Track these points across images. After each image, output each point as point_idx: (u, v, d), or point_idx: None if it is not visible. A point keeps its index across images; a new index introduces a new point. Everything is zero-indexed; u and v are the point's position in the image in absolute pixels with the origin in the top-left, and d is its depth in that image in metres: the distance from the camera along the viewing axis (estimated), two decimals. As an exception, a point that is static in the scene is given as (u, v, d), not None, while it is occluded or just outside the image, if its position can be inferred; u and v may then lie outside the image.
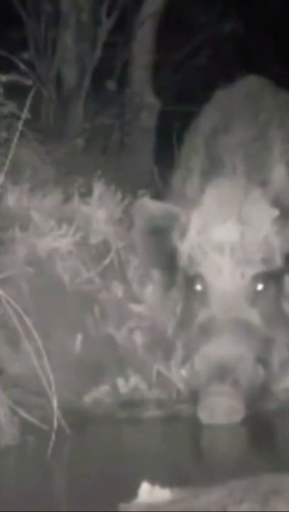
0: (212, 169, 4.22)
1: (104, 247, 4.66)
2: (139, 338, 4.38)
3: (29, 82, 4.77)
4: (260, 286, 3.96)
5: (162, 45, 6.75)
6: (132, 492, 2.88)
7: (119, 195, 4.93)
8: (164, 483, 2.89)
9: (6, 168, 4.24)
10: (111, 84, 6.63)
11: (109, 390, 4.19)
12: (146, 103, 6.63)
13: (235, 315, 3.90)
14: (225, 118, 4.44)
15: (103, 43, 6.60)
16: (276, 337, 3.99)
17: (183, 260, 4.08)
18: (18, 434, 3.80)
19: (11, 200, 4.63)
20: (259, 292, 3.96)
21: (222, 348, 3.82)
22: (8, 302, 3.89)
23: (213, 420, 3.85)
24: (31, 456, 3.73)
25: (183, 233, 4.06)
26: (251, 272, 3.93)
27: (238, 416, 3.84)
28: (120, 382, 4.21)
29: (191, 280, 4.05)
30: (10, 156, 4.19)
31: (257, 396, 3.88)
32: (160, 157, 6.08)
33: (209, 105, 4.69)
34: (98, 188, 4.90)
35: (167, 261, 4.14)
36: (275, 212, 3.99)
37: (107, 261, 4.58)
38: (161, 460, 3.74)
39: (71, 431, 3.80)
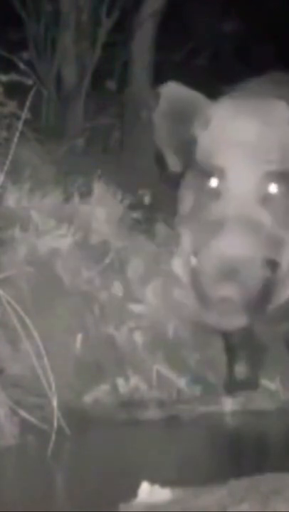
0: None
1: (104, 247, 4.66)
2: (139, 338, 4.39)
3: (29, 82, 4.77)
4: (273, 188, 3.93)
5: (162, 45, 6.75)
6: (132, 492, 2.89)
7: (119, 195, 4.94)
8: (164, 483, 2.90)
9: (6, 168, 4.24)
10: (111, 84, 6.63)
11: (109, 390, 4.20)
12: (146, 103, 6.63)
13: (246, 213, 3.85)
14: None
15: (103, 43, 6.60)
16: (287, 239, 3.95)
17: (201, 152, 4.06)
18: (18, 434, 3.80)
19: (11, 200, 4.63)
20: (272, 194, 3.93)
21: (232, 245, 3.76)
22: (8, 302, 3.89)
23: (220, 325, 3.81)
24: (31, 456, 3.73)
25: (205, 124, 4.05)
26: (266, 170, 3.92)
27: (244, 321, 3.79)
28: (120, 382, 4.22)
29: (205, 175, 4.02)
30: (10, 156, 4.19)
31: (262, 299, 3.84)
32: (160, 157, 6.07)
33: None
34: (98, 187, 4.90)
35: (184, 147, 4.12)
36: None
37: (107, 261, 4.58)
38: (161, 460, 3.74)
39: (71, 431, 3.80)
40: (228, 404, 4.30)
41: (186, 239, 4.01)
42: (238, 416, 4.25)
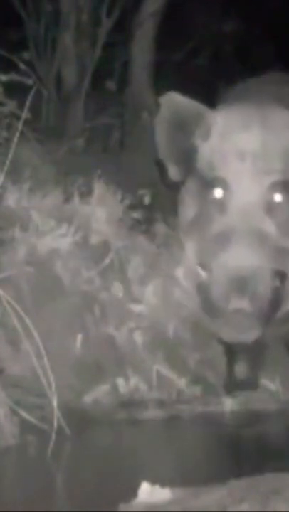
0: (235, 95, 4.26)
1: (104, 247, 4.66)
2: (139, 338, 4.38)
3: (29, 82, 4.77)
4: (278, 197, 3.92)
5: (162, 45, 6.75)
6: (132, 492, 2.89)
7: (119, 195, 4.94)
8: (164, 483, 2.90)
9: (6, 168, 4.24)
10: (111, 85, 6.63)
11: (109, 390, 4.20)
12: (146, 103, 6.63)
13: (253, 224, 3.84)
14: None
15: (103, 43, 6.60)
16: None
17: (202, 163, 4.04)
18: (18, 434, 3.80)
19: (11, 200, 4.63)
20: (277, 203, 3.92)
21: (241, 257, 3.75)
22: (8, 302, 3.89)
23: (233, 338, 3.81)
24: (31, 456, 3.73)
25: (206, 134, 4.04)
26: (271, 181, 3.90)
27: (257, 334, 3.80)
28: (120, 382, 4.21)
29: (208, 185, 4.01)
30: (10, 156, 4.19)
31: (273, 309, 3.84)
32: (160, 160, 6.07)
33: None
34: (98, 187, 4.90)
35: (185, 157, 4.11)
36: None
37: (107, 261, 4.58)
38: (161, 460, 3.74)
39: (71, 431, 3.80)
40: (228, 404, 4.30)
41: (191, 249, 4.00)
42: (238, 416, 4.24)
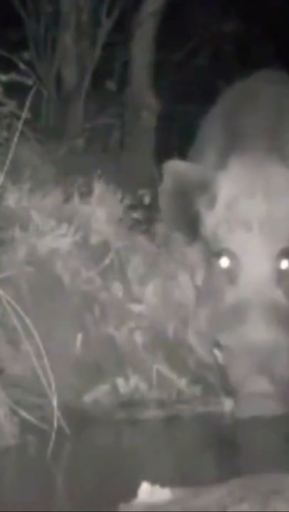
0: (231, 146, 4.17)
1: (104, 247, 4.66)
2: (139, 338, 4.38)
3: (29, 82, 4.77)
4: (285, 265, 3.88)
5: (162, 45, 6.74)
6: (132, 492, 2.89)
7: (119, 195, 4.93)
8: (164, 483, 2.89)
9: (6, 168, 4.24)
10: (111, 85, 6.63)
11: (109, 390, 4.19)
12: (146, 103, 6.63)
13: (266, 296, 3.81)
14: (245, 100, 4.42)
15: (103, 43, 6.60)
16: None
17: (208, 231, 4.00)
18: (18, 434, 3.80)
19: (11, 200, 4.62)
20: (284, 269, 3.88)
21: (258, 334, 3.74)
22: (8, 302, 3.89)
23: (251, 415, 3.82)
24: (31, 456, 3.73)
25: (211, 203, 3.99)
26: (279, 249, 3.86)
27: (279, 410, 3.79)
28: (120, 382, 4.21)
29: (215, 254, 3.98)
30: (10, 156, 4.19)
31: None
32: (160, 157, 6.08)
33: (229, 90, 4.69)
34: (98, 187, 4.90)
35: (191, 226, 4.07)
36: None
37: (107, 261, 4.58)
38: (161, 460, 3.74)
39: (71, 431, 3.80)
40: (228, 404, 4.29)
41: (204, 318, 3.98)
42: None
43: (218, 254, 3.93)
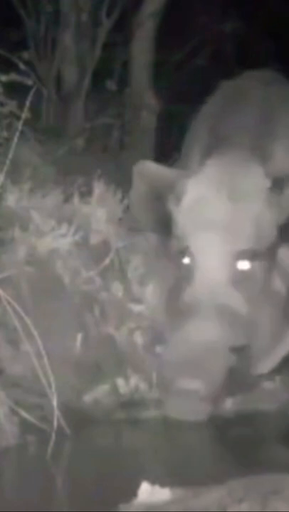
0: (215, 144, 4.18)
1: (104, 247, 4.66)
2: (139, 338, 4.38)
3: (29, 82, 4.76)
4: (246, 267, 3.90)
5: (162, 45, 6.74)
6: (132, 492, 2.89)
7: (119, 195, 4.93)
8: (164, 483, 2.89)
9: (6, 168, 4.24)
10: (111, 84, 6.62)
11: (109, 390, 4.19)
12: (146, 103, 6.63)
13: (217, 300, 3.84)
14: (232, 100, 4.43)
15: (103, 43, 6.60)
16: (261, 319, 3.92)
17: (176, 229, 4.04)
18: (18, 434, 3.80)
19: (11, 200, 4.62)
20: (245, 273, 3.90)
21: (198, 336, 3.78)
22: (8, 302, 3.89)
23: (179, 417, 3.84)
24: (31, 456, 3.73)
25: (177, 202, 4.03)
26: (238, 252, 3.87)
27: (204, 414, 3.82)
28: (120, 382, 4.21)
29: (180, 253, 4.02)
30: (10, 156, 4.19)
31: (229, 387, 3.84)
32: (160, 157, 6.08)
33: (217, 91, 4.70)
34: (98, 187, 4.90)
35: (164, 226, 4.10)
36: (268, 184, 3.94)
37: (107, 261, 4.58)
38: (161, 460, 3.74)
39: (71, 431, 3.80)
40: (228, 405, 4.30)
41: (161, 318, 4.01)
42: (238, 416, 4.24)
43: (182, 253, 3.97)
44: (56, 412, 3.77)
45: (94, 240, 4.68)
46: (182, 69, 7.41)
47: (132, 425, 4.07)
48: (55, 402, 3.79)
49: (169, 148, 5.71)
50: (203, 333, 3.77)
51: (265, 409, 4.27)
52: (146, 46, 6.70)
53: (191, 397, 3.73)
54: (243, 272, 3.88)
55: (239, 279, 3.87)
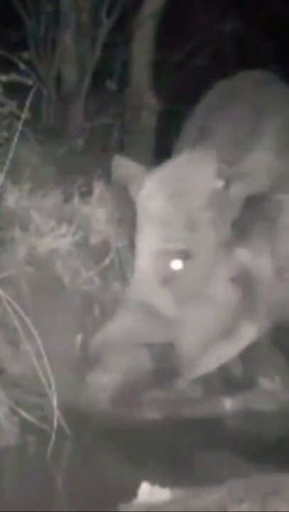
0: (201, 141, 4.21)
1: (104, 247, 4.66)
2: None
3: (29, 82, 4.76)
4: (178, 266, 3.91)
5: (162, 45, 6.74)
6: (132, 492, 2.89)
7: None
8: (164, 483, 2.90)
9: (6, 168, 4.24)
10: (111, 84, 6.62)
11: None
12: (146, 103, 6.63)
13: (142, 297, 3.89)
14: (224, 99, 4.46)
15: (103, 43, 6.60)
16: (189, 320, 3.92)
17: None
18: (18, 433, 3.80)
19: (11, 200, 4.63)
20: (177, 272, 3.91)
21: (114, 332, 3.88)
22: (8, 302, 3.89)
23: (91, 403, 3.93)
24: (31, 456, 3.73)
25: (136, 195, 4.11)
26: (171, 250, 3.90)
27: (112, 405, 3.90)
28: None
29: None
30: (10, 156, 4.19)
31: (141, 388, 3.91)
32: (160, 157, 6.07)
33: (212, 90, 4.72)
34: (98, 187, 4.90)
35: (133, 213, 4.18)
36: (219, 184, 3.94)
37: (107, 261, 4.58)
38: (161, 460, 3.74)
39: (71, 431, 3.80)
40: (228, 404, 4.30)
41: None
42: (238, 416, 4.24)
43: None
44: (56, 412, 3.77)
45: (94, 240, 4.69)
46: (182, 69, 7.41)
47: (131, 425, 4.07)
48: (55, 402, 3.79)
49: (169, 148, 5.71)
50: (117, 332, 3.84)
51: (265, 409, 4.27)
52: (146, 46, 6.70)
53: (94, 390, 3.85)
54: (174, 272, 3.90)
55: (170, 278, 3.89)
